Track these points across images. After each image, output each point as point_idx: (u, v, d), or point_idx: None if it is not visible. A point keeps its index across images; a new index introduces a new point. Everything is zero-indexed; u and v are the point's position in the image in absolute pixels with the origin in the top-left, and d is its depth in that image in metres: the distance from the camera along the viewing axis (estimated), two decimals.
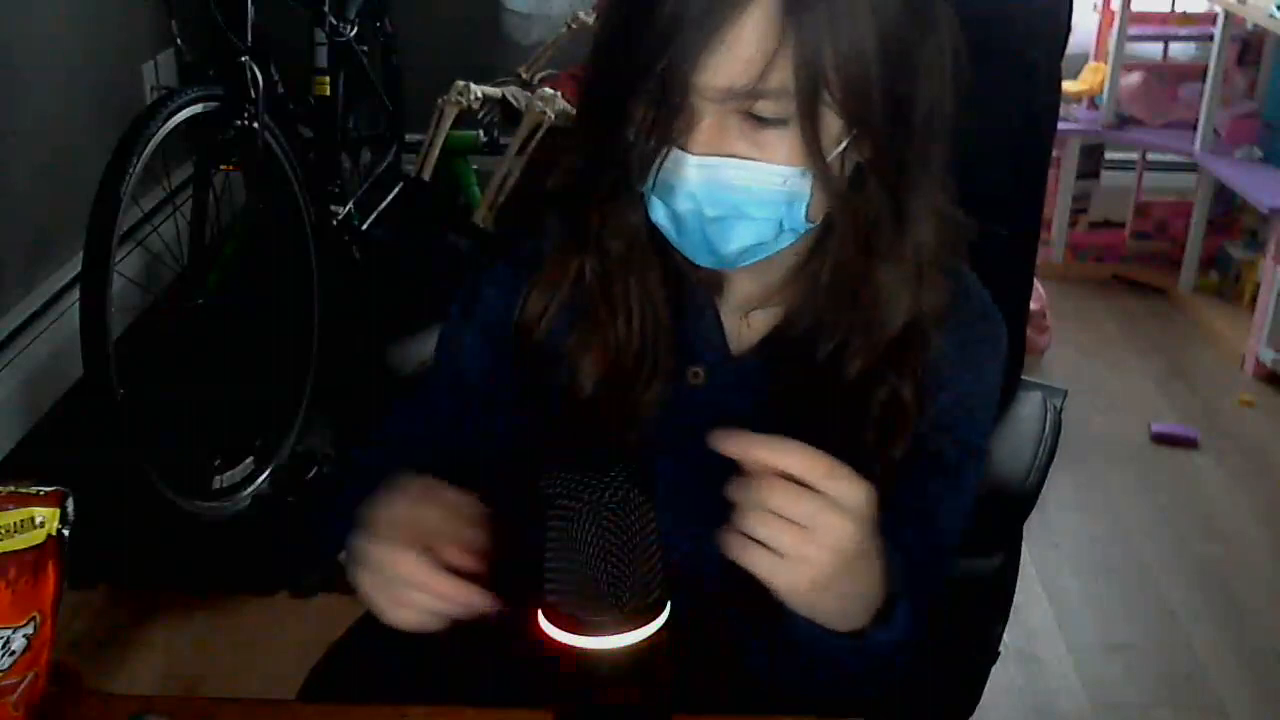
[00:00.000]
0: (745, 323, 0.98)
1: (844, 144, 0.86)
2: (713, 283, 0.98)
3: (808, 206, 0.87)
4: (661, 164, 0.85)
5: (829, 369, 0.94)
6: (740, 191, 0.85)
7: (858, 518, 0.78)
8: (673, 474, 0.88)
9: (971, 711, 1.25)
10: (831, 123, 0.84)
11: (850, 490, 0.78)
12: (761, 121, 0.83)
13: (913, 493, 0.95)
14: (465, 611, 0.83)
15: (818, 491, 0.77)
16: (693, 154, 0.84)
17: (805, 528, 0.77)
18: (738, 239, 0.87)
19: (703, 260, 0.90)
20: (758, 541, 0.77)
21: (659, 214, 0.88)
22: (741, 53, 0.80)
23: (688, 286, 0.97)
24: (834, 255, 0.92)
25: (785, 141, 0.84)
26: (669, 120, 0.83)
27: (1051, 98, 1.26)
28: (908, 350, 0.93)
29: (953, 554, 0.99)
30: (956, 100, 0.89)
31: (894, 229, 0.90)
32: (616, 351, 0.96)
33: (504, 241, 1.06)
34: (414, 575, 0.83)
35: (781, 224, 0.87)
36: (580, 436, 0.98)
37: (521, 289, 0.99)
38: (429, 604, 0.83)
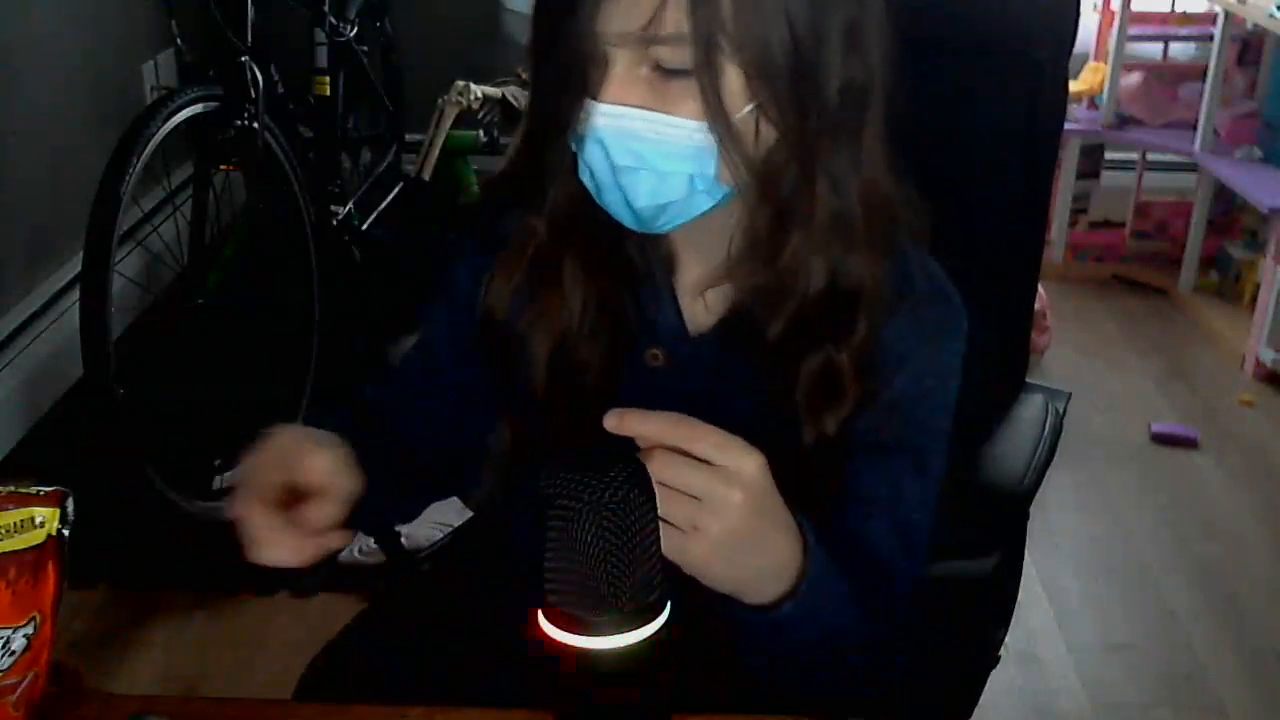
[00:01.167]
0: (702, 303, 0.99)
1: (751, 106, 0.86)
2: (665, 263, 0.98)
3: (717, 166, 0.87)
4: (576, 116, 0.86)
5: (770, 342, 0.95)
6: (646, 142, 0.86)
7: (750, 488, 0.79)
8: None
9: (969, 715, 1.25)
10: (735, 80, 0.85)
11: (741, 461, 0.79)
12: (668, 73, 0.84)
13: (877, 479, 0.96)
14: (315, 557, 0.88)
15: (709, 464, 0.78)
16: (601, 103, 0.85)
17: (697, 499, 0.78)
18: (647, 193, 0.88)
19: (624, 218, 0.91)
20: None
21: (582, 170, 0.89)
22: None
23: (644, 268, 0.98)
24: (747, 217, 0.93)
25: (691, 96, 0.85)
26: (582, 71, 0.85)
27: (1058, 98, 1.26)
28: (844, 324, 0.93)
29: (924, 539, 0.98)
30: (894, 81, 0.90)
31: (804, 196, 0.91)
32: (564, 328, 0.97)
33: (475, 225, 1.08)
34: (259, 529, 0.87)
35: (693, 182, 0.88)
36: (537, 419, 0.99)
37: (483, 268, 1.01)
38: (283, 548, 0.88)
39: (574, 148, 0.89)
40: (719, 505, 0.78)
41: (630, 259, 0.98)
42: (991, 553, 1.23)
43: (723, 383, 0.97)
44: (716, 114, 0.85)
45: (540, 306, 0.98)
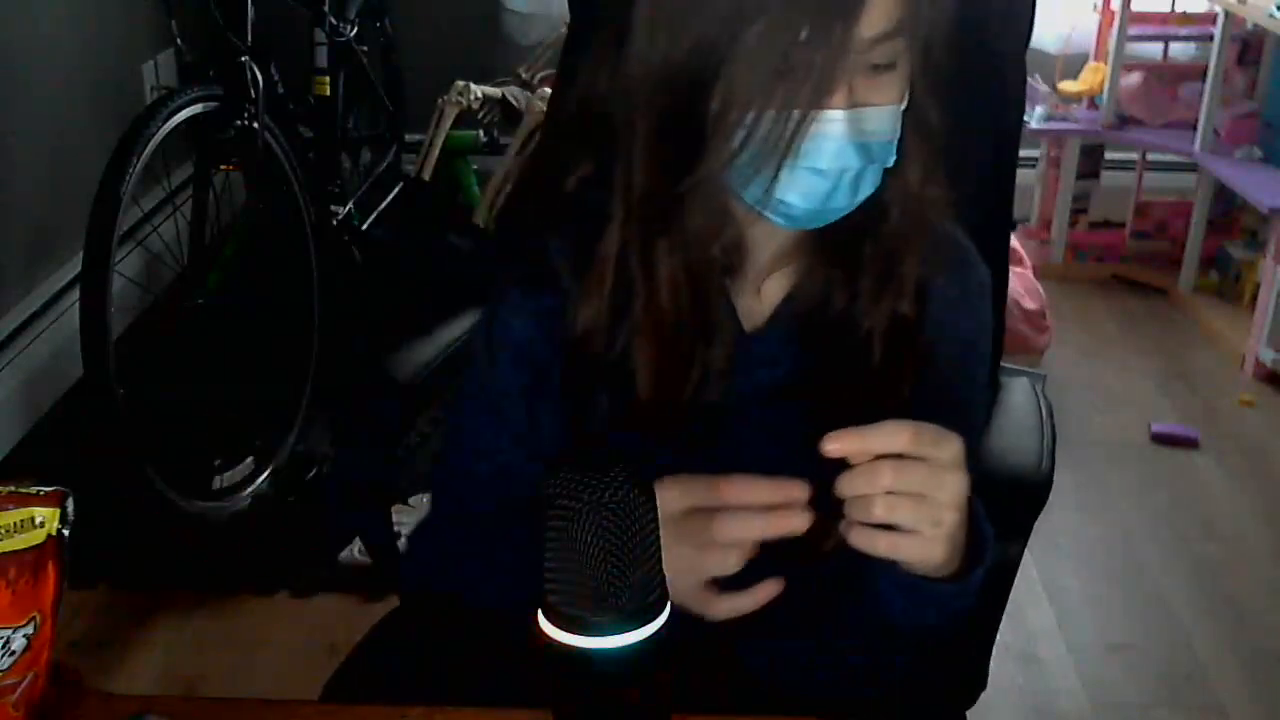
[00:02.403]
0: (756, 297, 0.98)
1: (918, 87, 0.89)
2: (735, 262, 0.96)
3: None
4: (805, 132, 0.84)
5: (846, 321, 0.95)
6: (876, 137, 0.86)
7: (962, 468, 0.80)
8: (720, 463, 0.86)
9: (981, 690, 1.24)
10: (914, 57, 0.88)
11: (949, 446, 0.80)
12: (876, 69, 0.85)
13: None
14: (785, 528, 0.83)
15: (920, 459, 0.79)
16: (840, 109, 0.84)
17: (924, 496, 0.79)
18: (866, 187, 0.89)
19: (815, 223, 0.90)
20: (876, 526, 0.80)
21: (791, 190, 0.87)
22: None
23: (722, 268, 0.96)
24: (898, 198, 0.93)
25: (894, 84, 0.86)
26: (812, 88, 0.83)
27: (1018, 90, 1.27)
28: (902, 283, 0.95)
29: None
30: None
31: (936, 174, 0.93)
32: (669, 344, 0.94)
33: (512, 260, 1.02)
34: (741, 493, 0.83)
35: (884, 167, 0.89)
36: (637, 434, 0.95)
37: (540, 310, 0.97)
38: (747, 530, 0.83)
39: (777, 169, 0.85)
40: (947, 494, 0.80)
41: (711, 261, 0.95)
42: (1016, 541, 1.24)
43: (788, 372, 0.97)
44: (909, 99, 0.88)
45: (640, 323, 0.94)
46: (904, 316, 0.95)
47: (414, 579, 1.11)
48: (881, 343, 0.95)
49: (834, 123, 0.84)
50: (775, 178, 0.86)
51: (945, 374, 0.97)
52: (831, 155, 0.85)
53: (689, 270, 0.92)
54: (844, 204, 0.89)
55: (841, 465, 0.82)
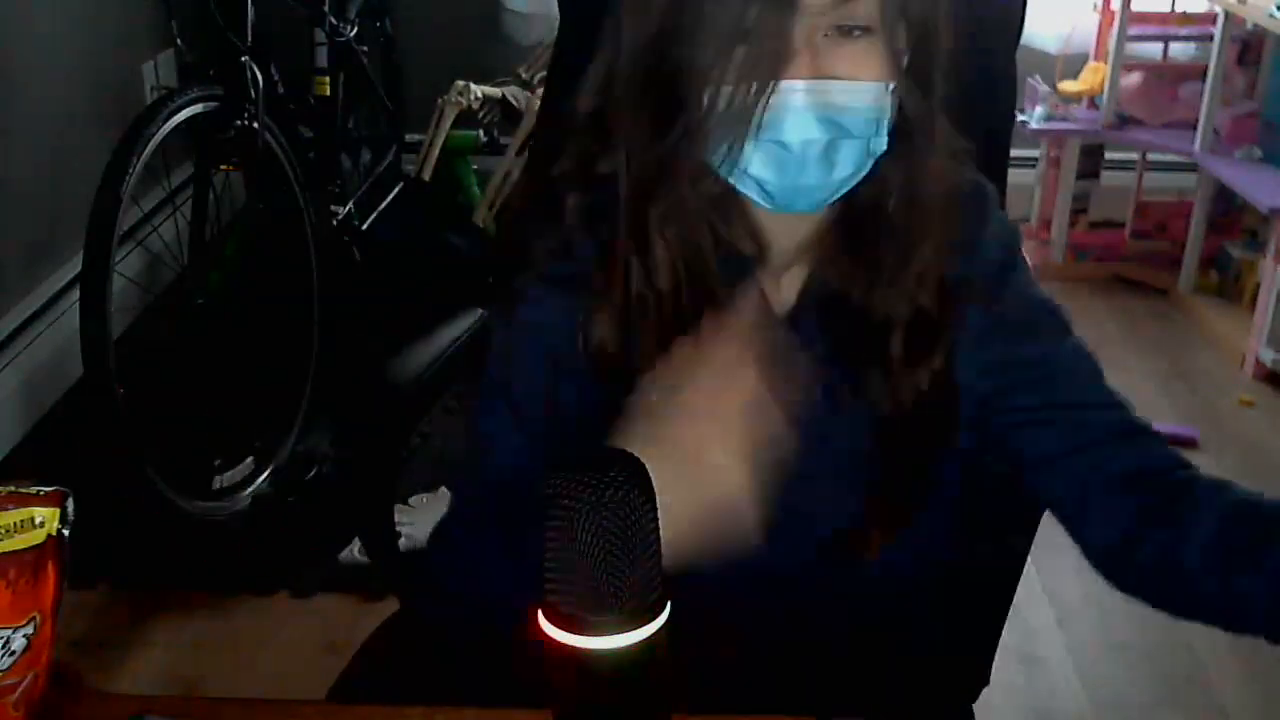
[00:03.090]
0: (777, 288, 0.97)
1: (909, 55, 0.87)
2: (757, 252, 0.95)
3: (887, 126, 0.87)
4: (765, 104, 0.83)
5: (864, 308, 0.94)
6: (844, 111, 0.84)
7: None
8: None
9: (983, 686, 1.25)
10: (901, 33, 0.86)
11: None
12: (850, 34, 0.84)
13: (1065, 390, 1.04)
14: None
15: None
16: (801, 80, 0.83)
17: None
18: (843, 166, 0.86)
19: (797, 204, 0.88)
20: None
21: (757, 164, 0.86)
22: None
23: (739, 260, 0.95)
24: (898, 177, 0.92)
25: (872, 55, 0.85)
26: (767, 56, 0.82)
27: (1009, 87, 1.27)
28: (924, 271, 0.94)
29: (1130, 408, 1.07)
30: None
31: (933, 161, 0.92)
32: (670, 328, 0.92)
33: (530, 258, 1.00)
34: None
35: (869, 147, 0.87)
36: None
37: (562, 306, 0.95)
38: None
39: (742, 145, 0.85)
40: None
41: (726, 253, 0.95)
42: (1021, 537, 1.25)
43: (812, 360, 0.95)
44: (898, 67, 0.86)
45: (652, 325, 0.93)
46: (924, 307, 0.94)
47: (431, 578, 1.11)
48: (901, 329, 0.94)
49: (795, 93, 0.83)
50: (740, 150, 0.85)
51: (1024, 344, 1.02)
52: (793, 128, 0.84)
53: (684, 251, 0.92)
54: (817, 182, 0.87)
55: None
